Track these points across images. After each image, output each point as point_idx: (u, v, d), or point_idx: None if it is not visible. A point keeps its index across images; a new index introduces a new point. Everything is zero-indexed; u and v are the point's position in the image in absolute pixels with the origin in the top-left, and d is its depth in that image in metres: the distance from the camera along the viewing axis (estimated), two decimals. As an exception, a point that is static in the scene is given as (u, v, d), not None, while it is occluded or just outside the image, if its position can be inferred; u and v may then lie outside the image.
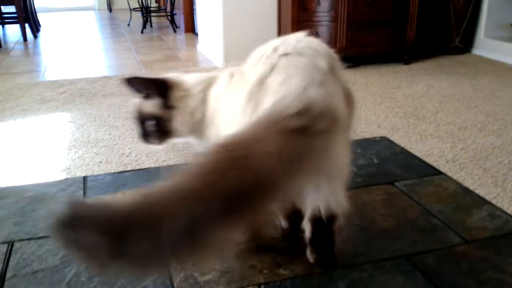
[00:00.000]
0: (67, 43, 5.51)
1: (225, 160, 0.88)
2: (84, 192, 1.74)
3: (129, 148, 2.20)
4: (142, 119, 1.40)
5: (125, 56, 4.62)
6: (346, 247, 1.39)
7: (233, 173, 0.85)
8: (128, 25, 6.76)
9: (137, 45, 5.22)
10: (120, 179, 1.86)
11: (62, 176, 1.93)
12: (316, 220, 1.24)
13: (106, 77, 3.69)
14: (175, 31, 6.09)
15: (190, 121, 1.36)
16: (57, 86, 3.40)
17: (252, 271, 1.29)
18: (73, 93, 3.19)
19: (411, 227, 1.49)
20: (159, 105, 1.37)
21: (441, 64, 3.83)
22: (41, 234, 1.48)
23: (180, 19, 6.15)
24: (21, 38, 5.60)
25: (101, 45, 5.43)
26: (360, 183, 1.78)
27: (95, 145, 2.26)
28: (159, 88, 1.36)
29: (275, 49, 1.15)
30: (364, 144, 2.16)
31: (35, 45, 5.46)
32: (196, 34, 5.39)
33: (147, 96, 1.39)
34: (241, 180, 0.85)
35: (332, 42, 3.59)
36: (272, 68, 1.11)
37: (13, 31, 6.33)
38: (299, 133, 0.95)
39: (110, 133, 2.41)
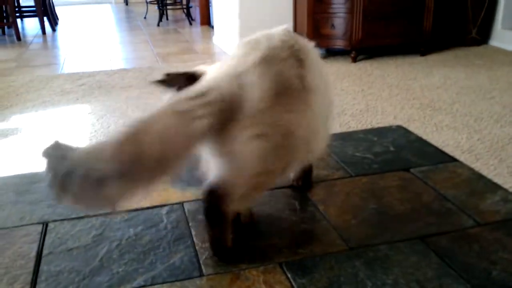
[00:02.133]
0: (84, 36, 5.61)
1: (125, 137, 1.10)
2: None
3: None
4: None
5: (142, 49, 4.70)
6: (363, 229, 1.45)
7: (126, 148, 1.08)
8: (145, 18, 6.85)
9: (153, 38, 5.30)
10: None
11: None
12: (207, 196, 1.32)
13: (124, 69, 3.78)
14: (191, 24, 6.16)
15: None
16: (76, 78, 3.49)
17: (273, 250, 1.36)
18: (92, 85, 3.28)
19: (425, 211, 1.55)
20: None
21: (457, 56, 3.84)
22: (73, 216, 1.57)
23: (195, 12, 6.21)
24: (40, 32, 5.71)
25: (118, 38, 5.51)
26: (377, 169, 1.83)
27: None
28: (190, 80, 1.42)
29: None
30: (380, 133, 2.21)
31: (54, 38, 5.57)
32: (212, 27, 5.46)
33: (179, 89, 1.45)
34: (132, 154, 1.08)
35: (348, 34, 3.62)
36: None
37: (31, 24, 6.46)
38: (184, 115, 1.11)
39: (129, 124, 2.49)
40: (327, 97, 1.45)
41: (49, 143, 1.14)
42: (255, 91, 1.17)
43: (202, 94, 1.14)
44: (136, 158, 1.07)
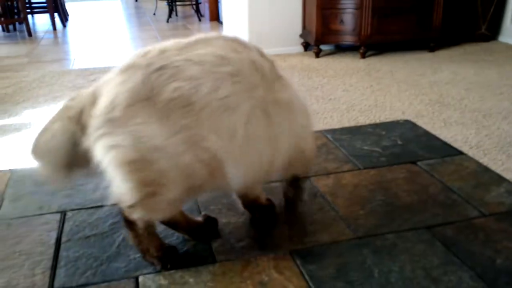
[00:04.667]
0: (95, 32, 5.67)
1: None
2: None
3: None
4: None
5: (152, 45, 4.75)
6: (370, 219, 1.50)
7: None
8: (154, 14, 6.90)
9: (163, 33, 5.35)
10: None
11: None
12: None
13: (135, 64, 3.83)
14: (200, 20, 6.20)
15: None
16: (88, 74, 3.55)
17: (283, 239, 1.41)
18: (104, 81, 3.33)
19: (432, 202, 1.58)
20: None
21: (467, 52, 3.85)
22: (91, 205, 1.63)
23: (205, 8, 6.25)
24: (51, 27, 5.78)
25: (128, 34, 5.57)
26: (384, 162, 1.87)
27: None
28: None
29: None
30: (388, 127, 2.24)
31: (64, 34, 5.63)
32: (221, 23, 5.49)
33: None
34: None
35: (357, 29, 3.65)
36: None
37: (42, 20, 6.54)
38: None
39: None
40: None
41: None
42: (111, 94, 1.15)
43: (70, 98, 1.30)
44: None
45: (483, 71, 3.27)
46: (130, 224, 1.28)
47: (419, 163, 1.85)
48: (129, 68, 1.17)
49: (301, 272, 1.27)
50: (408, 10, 3.67)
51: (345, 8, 3.65)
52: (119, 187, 1.17)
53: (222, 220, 1.52)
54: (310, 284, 1.23)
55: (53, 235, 1.48)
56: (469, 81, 3.06)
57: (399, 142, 2.05)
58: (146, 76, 1.14)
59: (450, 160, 1.87)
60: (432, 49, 3.85)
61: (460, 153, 1.95)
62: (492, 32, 4.16)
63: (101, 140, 1.14)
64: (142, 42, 4.98)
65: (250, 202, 1.51)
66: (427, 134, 2.16)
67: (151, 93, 1.12)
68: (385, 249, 1.35)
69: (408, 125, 2.27)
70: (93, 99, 1.19)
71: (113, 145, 1.13)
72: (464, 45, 4.05)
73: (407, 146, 2.02)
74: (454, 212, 1.52)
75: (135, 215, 1.23)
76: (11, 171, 1.90)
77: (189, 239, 1.42)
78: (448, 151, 1.96)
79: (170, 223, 1.39)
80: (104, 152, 1.14)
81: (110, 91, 1.16)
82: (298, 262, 1.31)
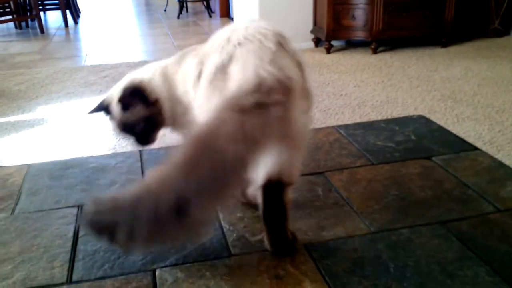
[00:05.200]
0: (106, 28, 5.71)
1: (196, 149, 1.04)
2: (142, 164, 1.90)
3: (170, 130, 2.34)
4: (131, 127, 1.46)
5: (163, 41, 4.78)
6: (385, 214, 1.50)
7: (204, 159, 1.02)
8: (165, 10, 6.92)
9: (173, 30, 5.37)
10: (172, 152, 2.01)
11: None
12: (267, 188, 1.28)
13: (145, 61, 3.84)
14: (210, 16, 6.21)
15: (175, 105, 1.43)
16: (99, 70, 3.58)
17: (298, 233, 1.41)
18: (115, 77, 3.35)
19: (446, 197, 1.58)
20: (141, 106, 1.42)
21: (479, 47, 3.82)
22: (106, 199, 1.65)
23: (215, 4, 6.26)
24: (63, 24, 5.83)
25: (139, 31, 5.60)
26: (398, 157, 1.87)
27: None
28: (133, 95, 1.42)
29: (228, 39, 1.24)
30: (401, 122, 2.24)
31: (76, 31, 5.68)
32: (232, 19, 5.50)
33: (125, 108, 1.44)
34: (212, 164, 1.01)
35: (368, 25, 3.63)
36: (230, 58, 1.20)
37: (54, 17, 6.59)
38: (256, 109, 1.06)
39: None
40: None
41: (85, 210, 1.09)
42: (292, 72, 1.18)
43: (259, 85, 1.10)
44: (217, 166, 1.01)
45: (496, 67, 3.25)
46: (281, 210, 1.30)
47: (433, 158, 1.85)
48: (280, 46, 1.22)
49: (316, 266, 1.28)
50: (420, 5, 3.65)
51: (356, 4, 3.64)
52: (291, 163, 1.25)
53: (237, 214, 1.53)
54: (326, 278, 1.23)
55: (71, 228, 1.50)
56: (482, 76, 3.04)
57: (413, 137, 2.05)
58: (290, 50, 1.25)
59: (465, 155, 1.87)
60: (444, 44, 3.83)
61: (475, 148, 1.94)
62: (505, 27, 4.12)
63: (299, 108, 1.19)
64: (153, 38, 5.00)
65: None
66: (441, 129, 2.15)
67: (300, 63, 1.26)
68: (400, 244, 1.35)
69: (422, 120, 2.26)
70: (283, 75, 1.16)
71: (305, 109, 1.22)
72: (477, 41, 4.02)
73: (421, 141, 2.01)
74: (469, 207, 1.52)
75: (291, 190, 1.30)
76: (28, 165, 1.93)
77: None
78: (462, 146, 1.96)
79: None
80: (301, 118, 1.21)
81: (287, 65, 1.19)
82: (314, 256, 1.32)
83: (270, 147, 1.16)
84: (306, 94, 1.25)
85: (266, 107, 1.07)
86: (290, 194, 1.30)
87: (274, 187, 1.27)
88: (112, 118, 1.49)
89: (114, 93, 1.48)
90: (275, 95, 1.09)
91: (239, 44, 1.21)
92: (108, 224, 1.03)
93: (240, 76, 1.15)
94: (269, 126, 1.08)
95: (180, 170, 1.02)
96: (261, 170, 1.25)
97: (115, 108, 1.46)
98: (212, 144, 1.03)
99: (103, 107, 1.50)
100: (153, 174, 1.05)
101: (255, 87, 1.09)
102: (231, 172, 1.03)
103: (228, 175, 1.03)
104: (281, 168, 1.24)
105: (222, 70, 1.20)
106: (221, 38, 1.27)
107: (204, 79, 1.26)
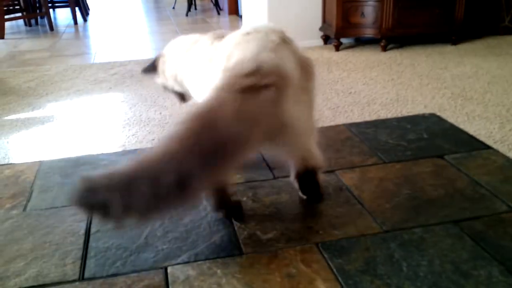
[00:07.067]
0: (115, 26, 5.72)
1: (196, 126, 1.09)
2: (152, 161, 1.90)
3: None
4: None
5: (171, 39, 4.78)
6: (397, 213, 1.49)
7: (204, 136, 1.07)
8: (173, 8, 6.93)
9: (182, 27, 5.37)
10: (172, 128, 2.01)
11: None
12: (300, 176, 1.49)
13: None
14: (219, 14, 6.21)
15: (167, 76, 1.77)
16: (109, 67, 3.59)
17: (310, 232, 1.41)
18: (124, 75, 3.36)
19: (459, 196, 1.57)
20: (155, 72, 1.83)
21: (490, 45, 3.79)
22: (117, 196, 1.65)
23: (223, 2, 6.25)
24: (72, 22, 5.85)
25: (147, 28, 5.61)
26: (410, 156, 1.86)
27: (147, 124, 2.41)
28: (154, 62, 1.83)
29: (241, 34, 1.37)
30: (413, 120, 2.22)
31: (85, 28, 5.70)
32: (240, 16, 5.49)
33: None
34: (211, 140, 1.07)
35: (378, 22, 3.61)
36: (235, 44, 1.33)
37: (63, 15, 6.62)
38: (252, 90, 1.13)
39: (160, 113, 2.55)
40: None
41: (74, 189, 1.07)
42: (291, 64, 1.28)
43: (258, 67, 1.18)
44: (218, 142, 1.06)
45: (506, 65, 3.22)
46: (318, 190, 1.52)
47: (445, 157, 1.83)
48: (284, 41, 1.34)
49: (328, 265, 1.27)
50: (430, 3, 3.63)
51: (366, 1, 3.62)
52: (307, 150, 1.43)
53: (248, 212, 1.53)
54: (338, 277, 1.23)
55: (82, 226, 1.50)
56: (492, 74, 3.01)
57: (425, 136, 2.03)
58: (293, 48, 1.38)
59: (477, 154, 1.85)
60: (454, 42, 3.80)
61: (487, 147, 1.93)
62: (516, 24, 4.09)
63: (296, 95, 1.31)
64: (162, 36, 5.01)
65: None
66: (453, 127, 2.13)
67: (301, 60, 1.39)
68: (413, 243, 1.35)
69: (434, 118, 2.25)
70: (281, 63, 1.26)
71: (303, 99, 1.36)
72: (487, 38, 3.99)
73: (433, 139, 2.00)
74: (482, 207, 1.51)
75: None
76: (40, 162, 1.94)
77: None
78: (475, 145, 1.94)
79: (220, 194, 1.47)
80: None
81: (287, 56, 1.30)
82: (326, 255, 1.31)
83: (270, 130, 1.22)
84: (305, 89, 1.36)
85: (262, 88, 1.14)
86: (321, 172, 1.48)
87: (306, 175, 1.46)
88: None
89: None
90: (270, 78, 1.17)
91: (247, 33, 1.34)
92: (102, 199, 1.04)
93: (240, 57, 1.24)
94: (264, 107, 1.15)
95: (182, 145, 1.06)
96: (290, 164, 1.47)
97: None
98: (212, 122, 1.08)
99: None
100: (154, 148, 1.09)
101: (254, 69, 1.17)
102: (228, 149, 1.08)
103: (226, 152, 1.08)
104: (303, 158, 1.39)
105: (228, 56, 1.32)
106: (238, 34, 1.39)
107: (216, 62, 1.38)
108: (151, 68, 1.83)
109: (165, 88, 1.85)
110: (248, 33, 1.34)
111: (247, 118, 1.11)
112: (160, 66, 1.79)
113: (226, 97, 1.13)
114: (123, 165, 1.07)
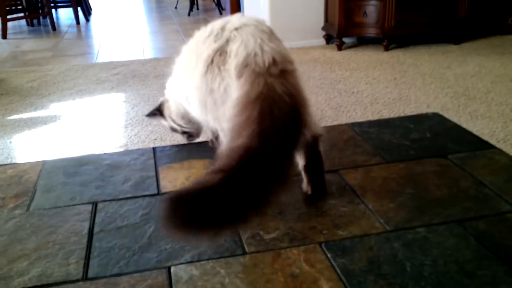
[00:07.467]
0: (117, 26, 5.73)
1: (261, 119, 1.21)
2: (155, 161, 1.90)
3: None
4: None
5: (173, 39, 4.78)
6: (401, 213, 1.49)
7: (273, 123, 1.21)
8: (175, 8, 6.93)
9: (184, 27, 5.37)
10: (185, 149, 2.01)
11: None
12: (307, 145, 1.53)
13: (156, 59, 3.85)
14: (221, 13, 6.21)
15: (174, 118, 1.89)
16: (111, 67, 3.59)
17: (313, 231, 1.41)
18: (126, 74, 3.36)
19: (463, 196, 1.56)
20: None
21: (493, 44, 3.78)
22: (121, 196, 1.65)
23: (226, 1, 6.25)
24: (74, 22, 5.86)
25: (149, 28, 5.61)
26: (413, 155, 1.85)
27: (150, 123, 2.41)
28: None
29: (222, 28, 1.42)
30: (416, 119, 2.21)
31: (87, 28, 5.70)
32: (242, 16, 5.49)
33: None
34: (281, 124, 1.22)
35: (380, 22, 3.61)
36: (228, 40, 1.38)
37: (65, 15, 6.62)
38: (284, 76, 1.31)
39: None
40: None
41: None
42: (285, 48, 1.42)
43: (273, 59, 1.32)
44: (286, 126, 1.23)
45: (510, 64, 3.21)
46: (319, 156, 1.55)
47: (449, 156, 1.83)
48: (259, 31, 1.40)
49: (332, 265, 1.27)
50: (433, 2, 3.62)
51: (368, 0, 3.62)
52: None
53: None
54: (342, 277, 1.23)
55: (86, 225, 1.50)
56: (496, 74, 3.01)
57: (428, 135, 2.03)
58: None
59: (481, 154, 1.84)
60: (457, 41, 3.79)
61: (491, 146, 1.92)
62: (519, 23, 4.08)
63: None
64: (164, 35, 5.01)
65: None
66: (456, 127, 2.13)
67: None
68: (417, 242, 1.34)
69: (437, 118, 2.24)
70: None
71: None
72: (490, 37, 3.98)
73: (437, 139, 1.99)
74: (486, 206, 1.50)
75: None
76: (43, 162, 1.94)
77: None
78: (478, 145, 1.93)
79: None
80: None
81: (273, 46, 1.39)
82: (329, 254, 1.31)
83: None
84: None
85: (289, 74, 1.33)
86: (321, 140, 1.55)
87: (311, 142, 1.51)
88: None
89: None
90: (289, 65, 1.35)
91: (236, 29, 1.39)
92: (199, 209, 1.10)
93: (243, 52, 1.33)
94: (297, 87, 1.32)
95: (259, 140, 1.18)
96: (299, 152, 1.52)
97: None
98: (272, 107, 1.22)
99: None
100: (231, 154, 1.19)
101: (273, 59, 1.31)
102: (296, 123, 1.26)
103: (296, 126, 1.26)
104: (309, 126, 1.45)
105: (220, 50, 1.38)
106: (214, 29, 1.44)
107: (201, 62, 1.43)
108: (156, 113, 1.95)
109: (174, 130, 1.94)
110: (237, 28, 1.39)
111: (294, 94, 1.28)
112: (166, 111, 1.91)
113: (265, 85, 1.26)
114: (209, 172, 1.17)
